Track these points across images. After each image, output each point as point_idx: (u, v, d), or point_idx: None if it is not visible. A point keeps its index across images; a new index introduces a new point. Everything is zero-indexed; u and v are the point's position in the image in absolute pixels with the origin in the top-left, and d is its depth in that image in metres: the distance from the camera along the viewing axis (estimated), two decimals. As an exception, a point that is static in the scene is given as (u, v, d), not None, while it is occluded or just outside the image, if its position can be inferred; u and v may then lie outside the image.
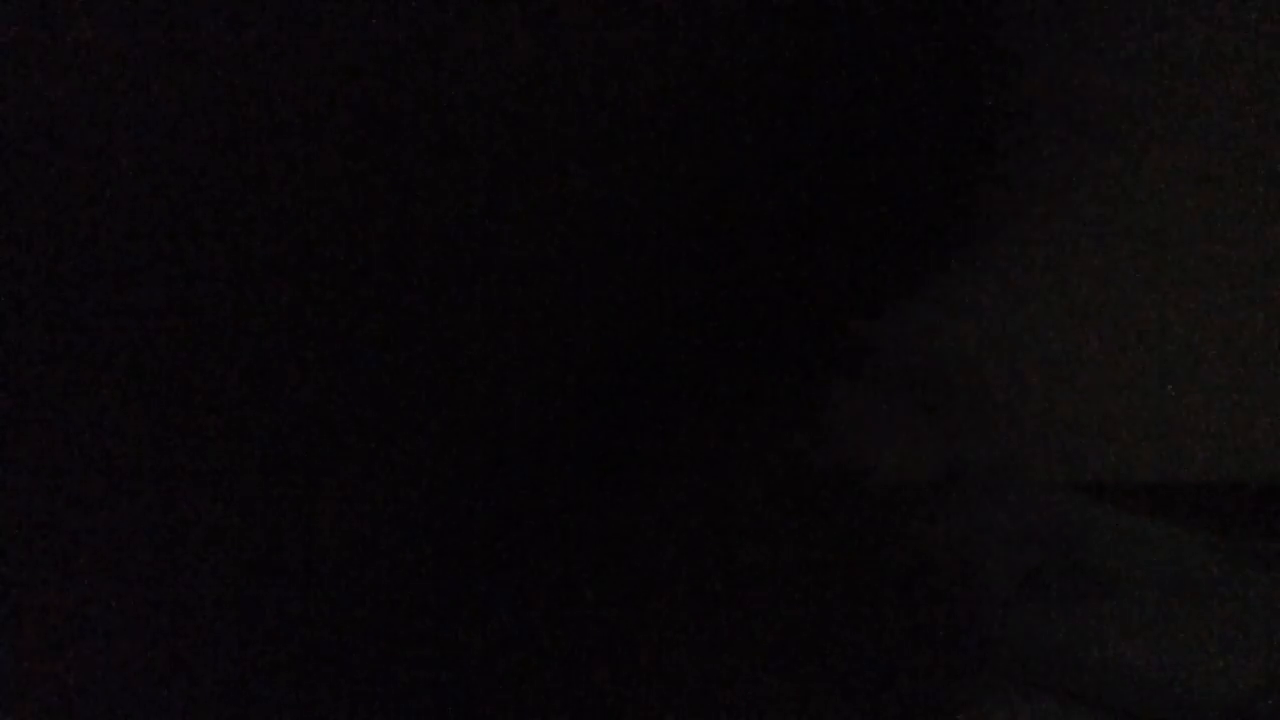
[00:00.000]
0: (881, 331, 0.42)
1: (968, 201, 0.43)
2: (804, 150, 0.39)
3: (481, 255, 0.36)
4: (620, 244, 0.37)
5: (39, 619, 0.35)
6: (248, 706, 0.36)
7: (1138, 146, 1.39)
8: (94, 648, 0.35)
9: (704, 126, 0.38)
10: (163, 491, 0.35)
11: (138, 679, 0.35)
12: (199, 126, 0.34)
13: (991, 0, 0.43)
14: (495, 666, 0.34)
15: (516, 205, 0.36)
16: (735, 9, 0.37)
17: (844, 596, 0.37)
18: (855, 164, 0.40)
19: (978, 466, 1.26)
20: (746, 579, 0.38)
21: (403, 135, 0.35)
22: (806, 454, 0.44)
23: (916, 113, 0.41)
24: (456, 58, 0.35)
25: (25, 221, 0.34)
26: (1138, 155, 1.40)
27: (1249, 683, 1.01)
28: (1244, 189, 1.38)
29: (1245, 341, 1.37)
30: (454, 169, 0.36)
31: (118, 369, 0.35)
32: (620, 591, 0.37)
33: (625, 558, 0.36)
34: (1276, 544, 1.17)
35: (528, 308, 0.37)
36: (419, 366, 0.36)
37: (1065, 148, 1.44)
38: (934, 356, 1.39)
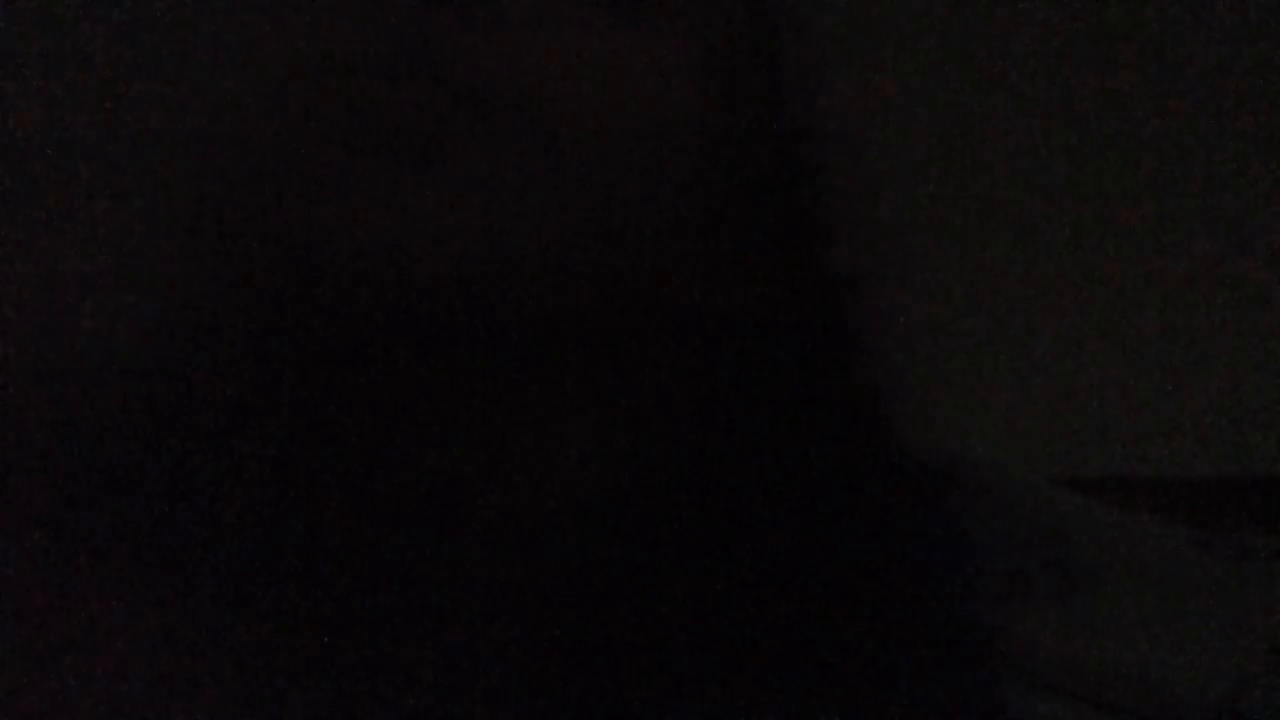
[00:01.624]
0: None
1: None
2: None
3: None
4: None
5: (38, 619, 0.35)
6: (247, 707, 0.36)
7: (1135, 147, 1.40)
8: (93, 649, 0.35)
9: None
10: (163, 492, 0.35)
11: (137, 680, 0.35)
12: None
13: None
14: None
15: None
16: None
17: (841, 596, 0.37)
18: None
19: (965, 464, 1.27)
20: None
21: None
22: None
23: None
24: None
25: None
26: (1133, 155, 1.41)
27: (1232, 675, 1.01)
28: (1239, 191, 1.38)
29: (1233, 340, 1.38)
30: None
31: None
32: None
33: None
34: (1264, 539, 1.18)
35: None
36: None
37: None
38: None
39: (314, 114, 0.31)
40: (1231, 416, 1.37)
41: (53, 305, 0.32)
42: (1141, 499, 1.22)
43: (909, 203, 1.42)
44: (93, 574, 0.32)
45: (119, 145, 0.33)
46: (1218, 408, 1.39)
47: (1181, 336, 1.40)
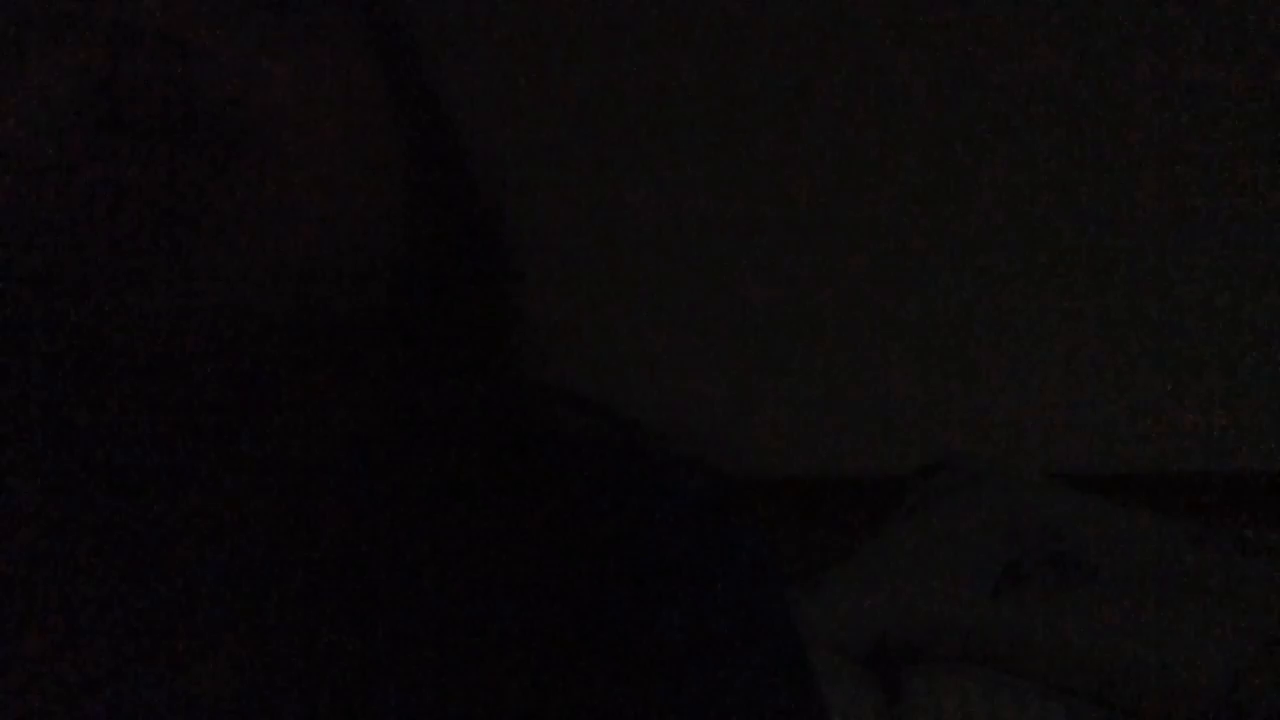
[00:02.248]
0: None
1: None
2: None
3: None
4: None
5: (38, 619, 0.35)
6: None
7: (1134, 144, 1.40)
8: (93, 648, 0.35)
9: None
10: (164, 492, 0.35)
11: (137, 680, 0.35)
12: None
13: None
14: None
15: None
16: None
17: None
18: None
19: (959, 459, 1.27)
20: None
21: None
22: None
23: None
24: None
25: None
26: (1131, 151, 1.40)
27: (1228, 669, 1.01)
28: (1230, 187, 1.38)
29: (1225, 336, 1.38)
30: None
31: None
32: None
33: None
34: (1255, 533, 1.18)
35: None
36: None
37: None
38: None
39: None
40: (1231, 415, 1.37)
41: None
42: (1139, 495, 1.22)
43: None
44: None
45: None
46: (1213, 403, 1.39)
47: (1181, 336, 1.40)
